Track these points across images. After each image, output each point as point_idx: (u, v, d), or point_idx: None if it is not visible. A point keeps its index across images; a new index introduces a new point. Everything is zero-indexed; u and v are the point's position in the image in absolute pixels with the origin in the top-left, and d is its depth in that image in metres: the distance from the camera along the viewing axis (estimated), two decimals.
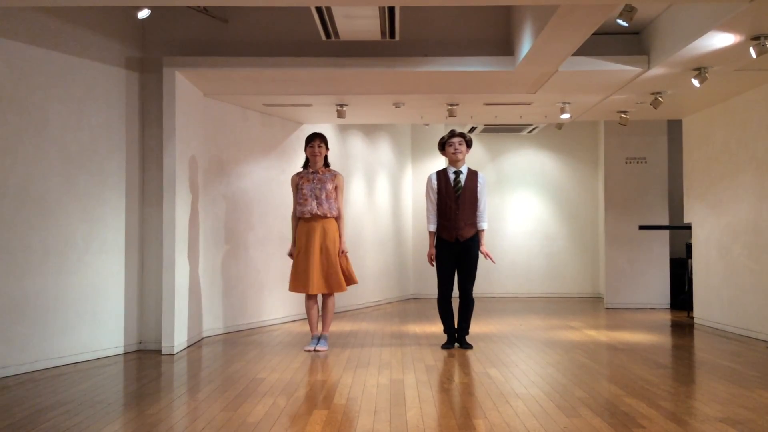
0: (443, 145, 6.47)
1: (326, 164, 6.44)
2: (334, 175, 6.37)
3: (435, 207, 6.39)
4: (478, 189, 6.38)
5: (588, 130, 11.76)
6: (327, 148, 6.43)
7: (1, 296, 5.26)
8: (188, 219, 6.71)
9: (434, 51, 6.48)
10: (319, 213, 6.24)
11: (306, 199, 6.27)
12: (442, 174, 6.44)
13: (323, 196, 6.26)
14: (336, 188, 6.34)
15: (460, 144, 6.38)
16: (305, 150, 6.40)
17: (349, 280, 6.35)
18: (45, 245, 5.58)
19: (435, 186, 6.41)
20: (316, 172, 6.34)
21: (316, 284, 6.20)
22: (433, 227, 6.41)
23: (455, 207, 6.31)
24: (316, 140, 6.37)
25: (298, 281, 6.26)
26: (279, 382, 4.93)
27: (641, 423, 3.77)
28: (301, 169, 6.48)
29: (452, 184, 6.35)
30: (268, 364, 5.62)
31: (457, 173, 6.39)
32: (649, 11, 6.03)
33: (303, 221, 6.31)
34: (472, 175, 6.41)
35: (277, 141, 8.47)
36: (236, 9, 6.48)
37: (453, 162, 6.42)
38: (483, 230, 6.39)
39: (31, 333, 5.46)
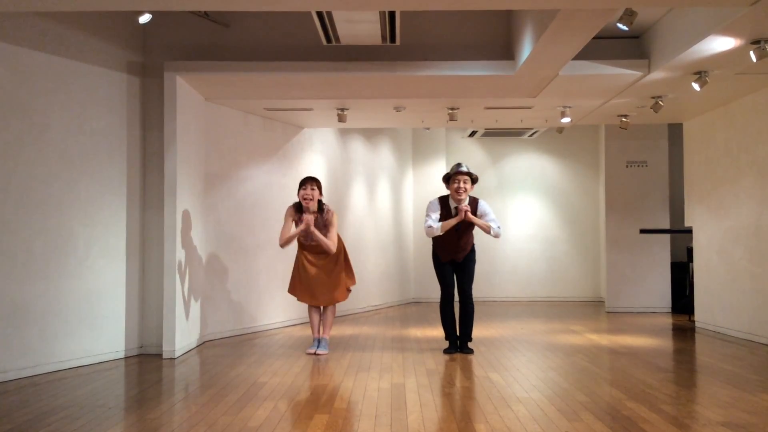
0: (448, 179, 6.31)
1: (320, 207, 6.28)
2: (326, 220, 6.26)
3: (437, 218, 6.26)
4: (483, 215, 6.27)
5: (589, 133, 11.76)
6: (320, 193, 6.27)
7: (3, 300, 5.26)
8: (189, 223, 6.71)
9: (435, 55, 6.49)
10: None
11: (305, 239, 6.32)
12: (444, 202, 6.34)
13: (318, 241, 6.26)
14: (328, 227, 6.27)
15: (465, 182, 6.22)
16: (298, 193, 6.25)
17: (351, 281, 6.48)
18: (46, 249, 5.58)
19: (438, 208, 6.30)
20: (309, 215, 6.21)
21: (314, 298, 6.34)
22: (437, 224, 6.19)
23: (455, 237, 6.27)
24: (308, 184, 6.22)
25: (301, 292, 6.43)
26: (280, 386, 4.93)
27: (643, 427, 3.76)
28: (296, 201, 6.33)
29: (453, 215, 6.27)
30: (269, 369, 5.62)
31: (456, 210, 6.26)
32: (649, 15, 6.03)
33: (301, 247, 6.42)
34: (473, 205, 6.30)
35: (278, 145, 8.47)
36: (237, 14, 6.49)
37: (455, 199, 6.28)
38: (492, 227, 6.24)
39: (32, 337, 5.46)
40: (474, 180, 6.32)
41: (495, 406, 4.28)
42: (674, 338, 7.62)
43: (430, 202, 6.42)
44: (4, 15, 5.31)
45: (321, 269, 6.32)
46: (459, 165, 6.32)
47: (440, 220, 6.28)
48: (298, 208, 6.27)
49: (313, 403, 4.41)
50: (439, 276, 6.45)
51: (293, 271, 6.51)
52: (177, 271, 6.31)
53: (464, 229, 6.30)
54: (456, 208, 6.26)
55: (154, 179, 6.48)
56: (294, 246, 6.49)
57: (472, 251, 6.44)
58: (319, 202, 6.28)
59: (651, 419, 3.93)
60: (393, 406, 4.28)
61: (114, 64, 6.27)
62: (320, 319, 6.48)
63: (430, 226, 6.24)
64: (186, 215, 6.61)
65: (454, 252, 6.34)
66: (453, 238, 6.30)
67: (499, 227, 6.32)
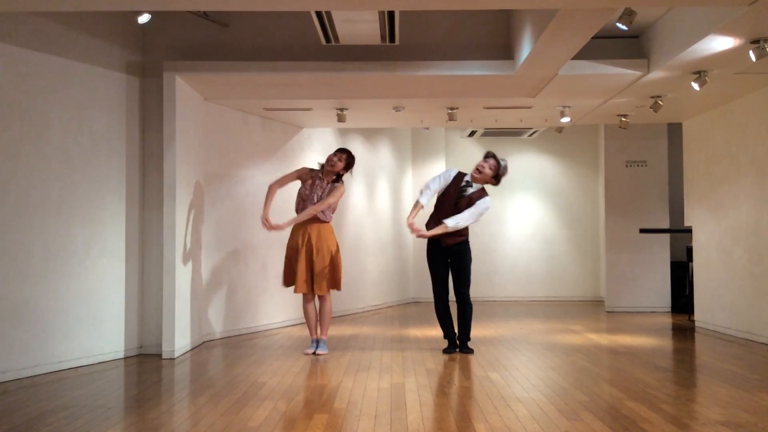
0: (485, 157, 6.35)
1: (338, 178, 6.39)
2: (335, 187, 6.34)
3: (435, 191, 6.28)
4: (475, 204, 6.20)
5: (588, 133, 11.76)
6: (345, 167, 6.35)
7: (2, 301, 5.26)
8: (189, 223, 6.71)
9: (434, 55, 6.49)
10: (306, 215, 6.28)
11: (303, 201, 6.32)
12: (458, 176, 6.34)
13: (316, 201, 6.27)
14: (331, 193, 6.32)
15: (490, 168, 6.20)
16: (331, 155, 6.38)
17: (333, 285, 6.36)
18: (46, 250, 5.58)
19: (448, 179, 6.31)
20: (322, 179, 6.33)
21: (301, 284, 6.26)
22: (424, 200, 6.22)
23: (450, 211, 6.21)
24: (339, 153, 6.35)
25: (290, 279, 6.38)
26: (279, 386, 4.92)
27: (642, 426, 3.76)
28: (316, 168, 6.43)
29: (458, 189, 6.28)
30: (269, 368, 5.62)
31: (468, 183, 6.28)
32: (648, 15, 6.03)
33: (296, 225, 6.37)
34: (480, 192, 6.28)
35: (278, 145, 8.47)
36: (236, 13, 6.49)
37: (472, 176, 6.28)
38: (444, 225, 6.09)
39: (31, 337, 5.46)
40: (497, 176, 6.24)
41: (494, 405, 4.28)
42: (674, 338, 7.62)
43: (444, 172, 6.44)
44: (4, 15, 5.31)
45: (307, 253, 6.23)
46: (500, 158, 6.29)
47: (440, 194, 6.29)
48: (313, 171, 6.42)
49: (313, 403, 4.41)
50: (431, 270, 6.38)
51: (285, 261, 6.42)
52: (176, 271, 6.31)
53: (463, 208, 6.17)
54: (463, 187, 6.23)
55: (154, 179, 6.48)
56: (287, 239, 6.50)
57: (464, 245, 6.31)
58: (339, 175, 6.38)
59: (651, 419, 3.93)
60: (393, 406, 4.28)
61: (113, 64, 6.27)
62: (317, 319, 6.46)
63: (422, 192, 6.30)
64: (185, 215, 6.61)
65: (443, 233, 6.18)
66: (447, 213, 6.18)
67: (458, 223, 6.10)
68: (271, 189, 6.42)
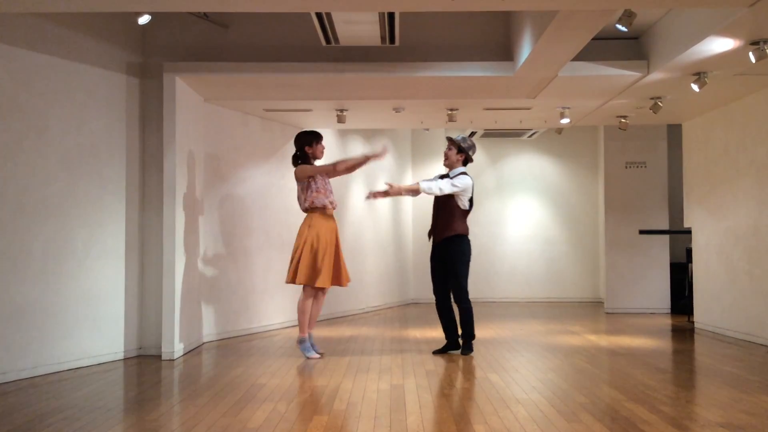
0: None
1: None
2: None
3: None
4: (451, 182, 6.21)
5: (588, 134, 11.77)
6: None
7: (1, 301, 5.25)
8: (188, 224, 6.70)
9: (434, 56, 6.50)
10: (335, 206, 6.34)
11: (326, 191, 6.26)
12: (441, 177, 6.47)
13: (330, 188, 6.35)
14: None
15: (449, 149, 6.39)
16: (311, 148, 6.35)
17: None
18: (45, 250, 5.58)
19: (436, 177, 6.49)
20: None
21: (331, 278, 6.17)
22: (425, 185, 6.21)
23: (435, 208, 6.41)
24: (320, 139, 6.45)
25: (326, 276, 6.09)
26: (279, 387, 4.93)
27: (642, 428, 3.76)
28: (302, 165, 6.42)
29: None
30: (268, 370, 5.62)
31: (446, 175, 6.38)
32: (648, 16, 6.03)
33: (323, 217, 6.19)
34: (459, 173, 6.30)
35: (278, 146, 8.47)
36: (236, 15, 6.49)
37: (445, 166, 6.44)
38: (418, 185, 6.18)
39: (31, 338, 5.46)
40: (459, 147, 6.31)
41: (494, 407, 4.29)
42: (673, 339, 7.62)
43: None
44: (3, 16, 5.31)
45: (335, 248, 6.20)
46: (460, 137, 6.43)
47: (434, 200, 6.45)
48: (302, 162, 6.39)
49: (312, 405, 4.41)
50: (431, 274, 6.49)
51: (302, 260, 6.08)
52: (176, 271, 6.31)
53: (440, 204, 6.32)
54: (441, 176, 6.41)
55: (153, 180, 6.48)
56: (291, 237, 6.47)
57: (455, 242, 6.21)
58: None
59: (650, 420, 3.93)
60: (392, 408, 4.28)
61: (113, 65, 6.27)
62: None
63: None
64: (185, 216, 6.60)
65: (433, 229, 6.40)
66: (435, 208, 6.41)
67: (437, 188, 6.12)
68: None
